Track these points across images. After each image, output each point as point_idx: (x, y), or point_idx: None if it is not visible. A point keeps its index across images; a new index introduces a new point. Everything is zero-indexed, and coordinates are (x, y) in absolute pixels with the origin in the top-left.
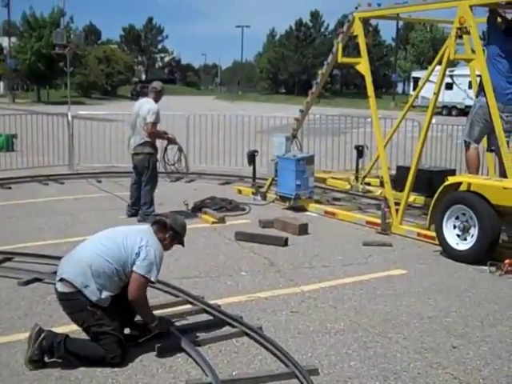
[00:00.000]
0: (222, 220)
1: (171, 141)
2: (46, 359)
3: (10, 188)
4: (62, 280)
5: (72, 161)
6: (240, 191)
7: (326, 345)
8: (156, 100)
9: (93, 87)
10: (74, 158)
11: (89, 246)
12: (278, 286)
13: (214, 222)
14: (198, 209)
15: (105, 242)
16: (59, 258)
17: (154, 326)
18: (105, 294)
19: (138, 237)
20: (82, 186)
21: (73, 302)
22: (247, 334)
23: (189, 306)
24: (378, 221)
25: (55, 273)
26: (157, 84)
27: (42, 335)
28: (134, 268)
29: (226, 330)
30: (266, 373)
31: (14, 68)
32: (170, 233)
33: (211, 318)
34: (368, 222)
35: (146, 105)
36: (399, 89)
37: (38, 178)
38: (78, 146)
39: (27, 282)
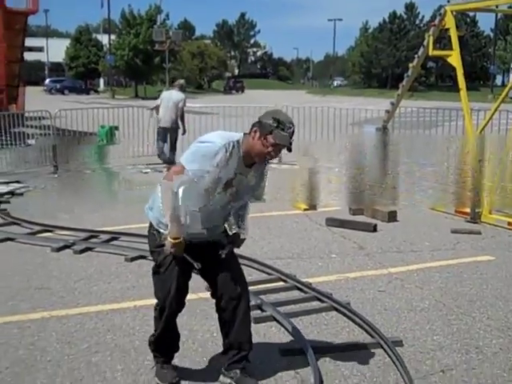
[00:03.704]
0: (313, 207)
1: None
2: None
3: None
4: None
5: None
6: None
7: (411, 321)
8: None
9: (187, 82)
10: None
11: None
12: (367, 267)
13: (305, 209)
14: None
15: None
16: None
17: (171, 238)
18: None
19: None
20: None
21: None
22: (336, 309)
23: (281, 283)
24: (468, 210)
25: None
26: (179, 82)
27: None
28: None
29: (316, 304)
30: (353, 342)
31: (114, 65)
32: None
33: (302, 293)
34: (457, 211)
35: (179, 94)
36: (498, 81)
37: (138, 167)
38: None
39: (133, 259)
